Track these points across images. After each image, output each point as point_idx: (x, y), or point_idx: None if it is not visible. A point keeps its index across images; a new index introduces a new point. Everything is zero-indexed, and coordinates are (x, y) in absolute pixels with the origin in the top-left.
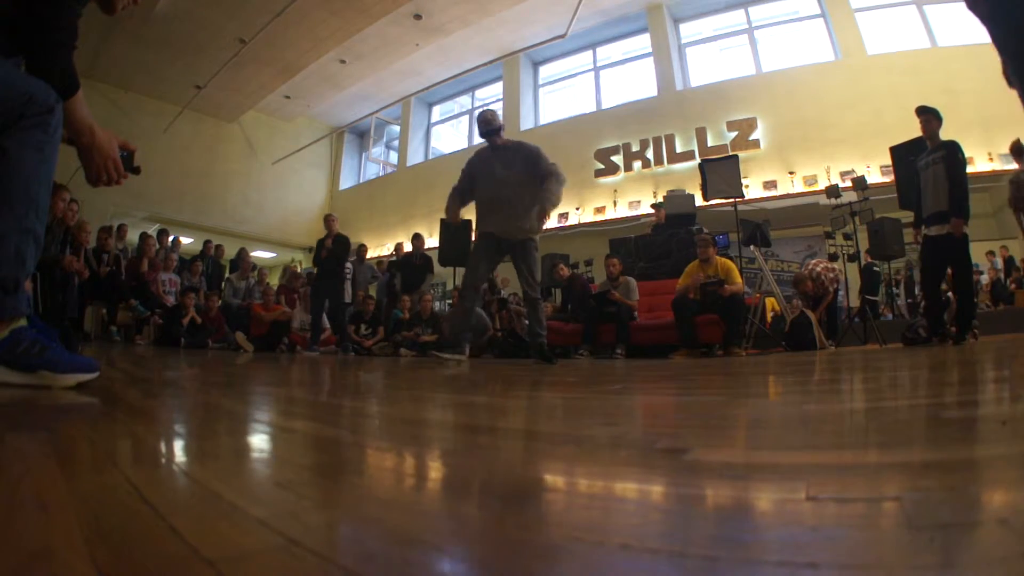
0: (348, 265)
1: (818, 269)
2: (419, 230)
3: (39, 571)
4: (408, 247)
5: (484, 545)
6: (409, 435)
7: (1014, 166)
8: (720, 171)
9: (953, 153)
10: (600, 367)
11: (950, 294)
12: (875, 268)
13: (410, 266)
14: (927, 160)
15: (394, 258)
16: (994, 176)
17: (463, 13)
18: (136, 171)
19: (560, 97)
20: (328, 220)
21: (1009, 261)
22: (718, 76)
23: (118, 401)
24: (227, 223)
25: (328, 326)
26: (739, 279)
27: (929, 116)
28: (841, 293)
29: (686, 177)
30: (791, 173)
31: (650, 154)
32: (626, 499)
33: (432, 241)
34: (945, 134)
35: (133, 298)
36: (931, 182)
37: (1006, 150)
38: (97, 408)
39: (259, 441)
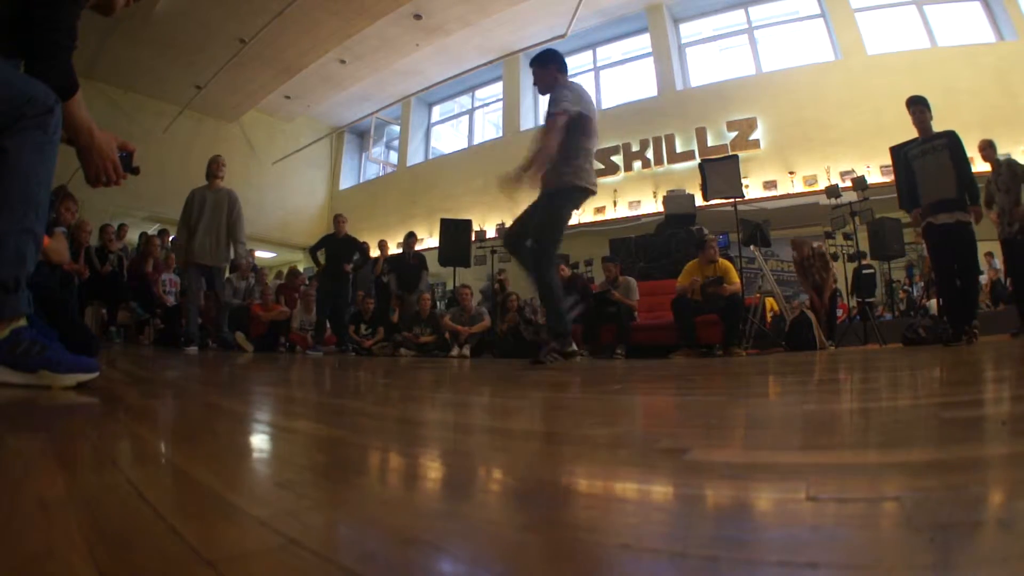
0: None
1: (815, 244)
2: (419, 230)
3: (39, 571)
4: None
5: (484, 545)
6: (409, 435)
7: None
8: (720, 171)
9: (958, 143)
10: (600, 367)
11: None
12: (865, 272)
13: (405, 266)
14: (923, 148)
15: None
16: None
17: (463, 13)
18: (135, 171)
19: None
20: (338, 220)
21: None
22: (718, 76)
23: (118, 401)
24: None
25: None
26: (737, 279)
27: (923, 107)
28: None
29: (686, 177)
30: (791, 173)
31: (650, 154)
32: (626, 499)
33: (432, 241)
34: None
35: (134, 299)
36: (933, 170)
37: (1006, 150)
38: (97, 408)
39: (259, 441)
